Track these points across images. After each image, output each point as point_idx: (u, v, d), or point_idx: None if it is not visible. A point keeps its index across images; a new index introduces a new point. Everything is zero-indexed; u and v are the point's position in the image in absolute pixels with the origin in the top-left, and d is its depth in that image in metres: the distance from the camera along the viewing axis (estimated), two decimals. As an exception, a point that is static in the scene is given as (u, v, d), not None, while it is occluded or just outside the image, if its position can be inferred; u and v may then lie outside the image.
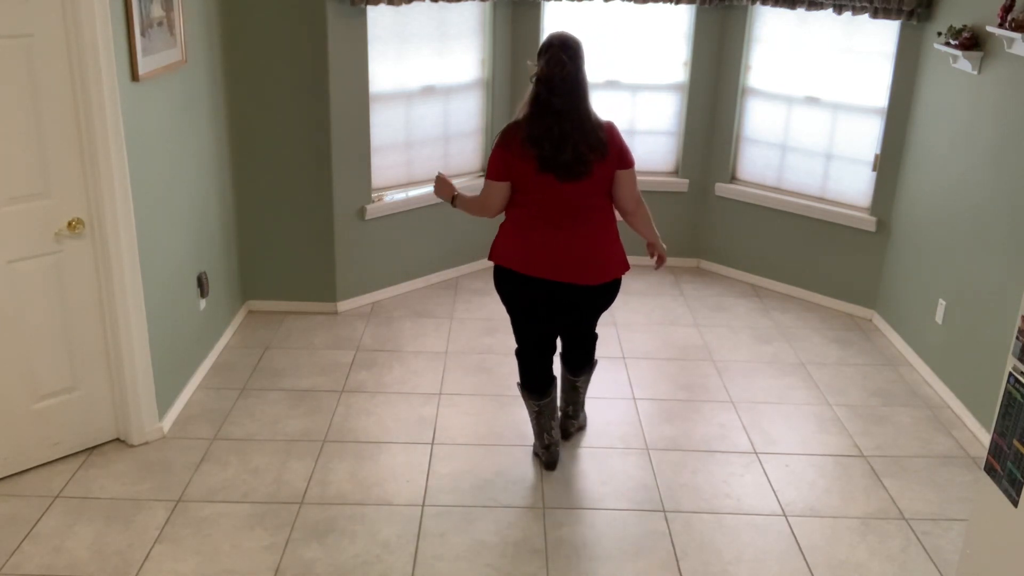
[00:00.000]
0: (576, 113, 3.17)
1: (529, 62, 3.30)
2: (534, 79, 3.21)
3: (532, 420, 3.65)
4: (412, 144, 5.19)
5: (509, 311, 3.49)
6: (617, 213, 3.42)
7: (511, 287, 3.38)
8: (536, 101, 3.18)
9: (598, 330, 3.75)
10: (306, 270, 4.96)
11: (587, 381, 3.79)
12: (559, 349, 3.69)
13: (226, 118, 4.55)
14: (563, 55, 3.14)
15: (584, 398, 3.86)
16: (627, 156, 3.29)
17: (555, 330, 3.55)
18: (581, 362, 3.71)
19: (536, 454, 3.71)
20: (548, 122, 3.15)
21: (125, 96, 3.36)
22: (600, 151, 3.19)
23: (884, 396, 4.33)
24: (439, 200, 5.26)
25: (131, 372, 3.59)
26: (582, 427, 3.93)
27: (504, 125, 3.32)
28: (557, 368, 3.72)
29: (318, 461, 3.64)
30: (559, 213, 3.23)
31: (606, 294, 3.39)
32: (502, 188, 3.26)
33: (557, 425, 3.69)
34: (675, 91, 5.62)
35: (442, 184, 3.52)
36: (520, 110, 3.27)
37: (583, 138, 3.17)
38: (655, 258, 3.58)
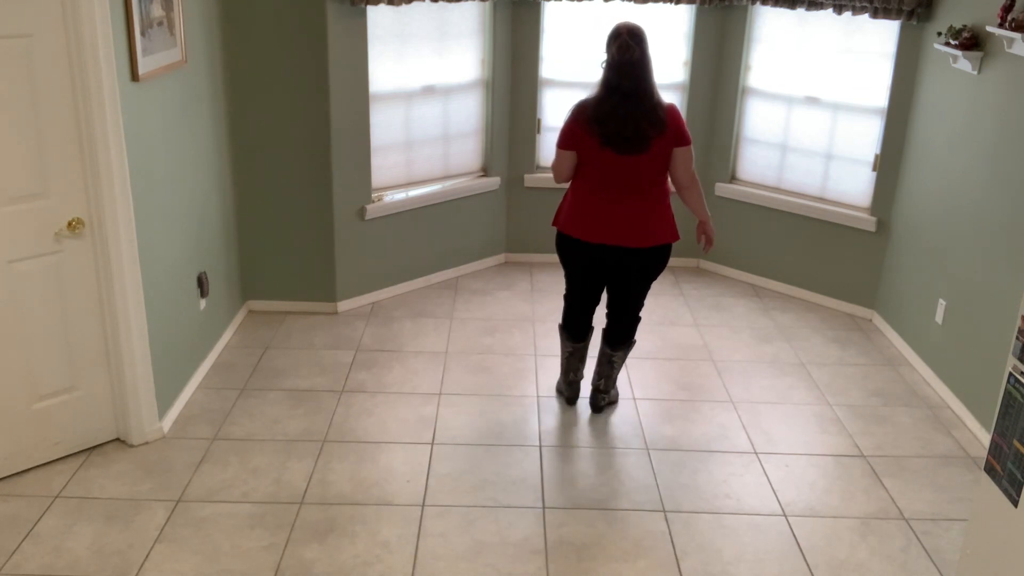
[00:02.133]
0: (641, 93, 3.51)
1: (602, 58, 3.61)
2: (604, 65, 3.56)
3: (563, 359, 4.09)
4: (412, 144, 5.19)
5: (564, 269, 3.90)
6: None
7: (569, 250, 3.79)
8: (607, 84, 3.53)
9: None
10: (306, 270, 4.96)
11: (623, 358, 4.03)
12: (604, 326, 4.02)
13: (226, 118, 4.55)
14: (631, 41, 3.50)
15: (617, 375, 4.09)
16: (684, 135, 3.62)
17: (601, 287, 3.89)
18: (621, 337, 3.97)
19: (559, 391, 4.18)
20: (615, 102, 3.50)
21: (125, 96, 3.36)
22: (659, 128, 3.53)
23: (884, 396, 4.33)
24: (439, 200, 5.31)
25: (131, 372, 3.59)
26: (613, 402, 4.15)
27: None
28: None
29: (318, 461, 3.64)
30: (617, 184, 3.59)
31: (653, 258, 3.72)
32: (568, 156, 3.65)
33: (583, 368, 4.10)
34: (675, 91, 5.62)
35: None
36: (592, 91, 3.61)
37: (645, 115, 3.51)
38: (703, 240, 3.91)
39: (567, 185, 3.82)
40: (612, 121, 3.49)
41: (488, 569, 3.06)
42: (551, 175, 4.39)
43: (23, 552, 3.05)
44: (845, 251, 5.19)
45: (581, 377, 4.11)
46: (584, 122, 3.54)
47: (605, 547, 3.19)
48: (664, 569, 3.09)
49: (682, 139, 3.59)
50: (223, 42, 4.45)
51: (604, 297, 3.99)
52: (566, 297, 4.00)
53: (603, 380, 4.04)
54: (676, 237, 3.74)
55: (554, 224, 3.81)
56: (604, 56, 3.57)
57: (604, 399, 4.06)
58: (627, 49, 3.48)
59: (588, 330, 4.01)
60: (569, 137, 3.60)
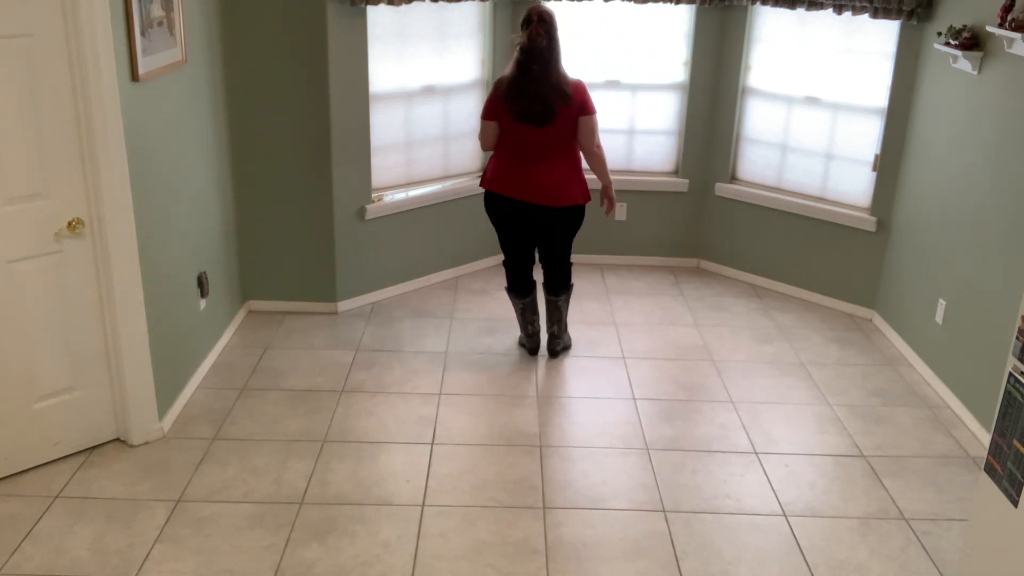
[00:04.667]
0: (549, 74, 4.01)
1: (513, 35, 4.10)
2: (517, 47, 4.01)
3: (517, 315, 4.60)
4: (412, 144, 5.19)
5: (494, 227, 4.40)
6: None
7: (493, 206, 4.30)
8: (519, 65, 4.01)
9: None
10: (306, 270, 4.96)
11: (567, 301, 4.55)
12: (543, 279, 4.54)
13: (226, 118, 4.55)
14: (541, 29, 3.95)
15: (566, 319, 4.61)
16: (588, 106, 4.12)
17: (529, 244, 4.41)
18: (558, 285, 4.50)
19: (521, 344, 4.67)
20: (526, 83, 4.00)
21: (125, 96, 3.36)
22: (565, 100, 4.03)
23: (884, 396, 4.33)
24: (439, 200, 5.31)
25: (131, 372, 3.59)
26: (567, 347, 4.68)
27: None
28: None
29: (318, 461, 3.65)
30: (530, 150, 4.11)
31: (566, 216, 4.25)
32: (491, 126, 4.17)
33: (538, 319, 4.61)
34: (675, 91, 5.62)
35: None
36: (507, 68, 4.12)
37: (551, 92, 4.01)
38: (605, 203, 4.36)
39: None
40: (523, 100, 4.00)
41: (488, 569, 3.06)
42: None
43: (23, 552, 3.06)
44: (845, 251, 5.19)
45: (539, 328, 4.61)
46: (500, 97, 4.06)
47: (605, 547, 3.19)
48: (664, 569, 3.09)
49: (586, 109, 4.09)
50: (223, 42, 4.45)
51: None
52: (504, 262, 4.49)
53: (555, 325, 4.56)
54: (588, 198, 4.25)
55: (481, 185, 4.30)
56: (518, 36, 4.01)
57: (559, 343, 4.59)
58: (537, 37, 3.93)
59: (531, 285, 4.51)
60: (490, 109, 4.13)
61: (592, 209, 5.72)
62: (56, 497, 3.35)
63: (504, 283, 4.59)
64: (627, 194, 5.75)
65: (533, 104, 3.99)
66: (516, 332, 4.84)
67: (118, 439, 3.71)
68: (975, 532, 2.70)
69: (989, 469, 2.60)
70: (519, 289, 4.50)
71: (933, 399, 4.31)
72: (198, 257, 4.23)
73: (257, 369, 4.39)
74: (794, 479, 3.63)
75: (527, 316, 4.56)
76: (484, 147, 4.27)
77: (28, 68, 3.09)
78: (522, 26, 4.00)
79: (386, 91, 4.95)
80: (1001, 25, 3.77)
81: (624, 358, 4.60)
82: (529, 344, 4.60)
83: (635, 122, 5.69)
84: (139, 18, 3.43)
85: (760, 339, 4.89)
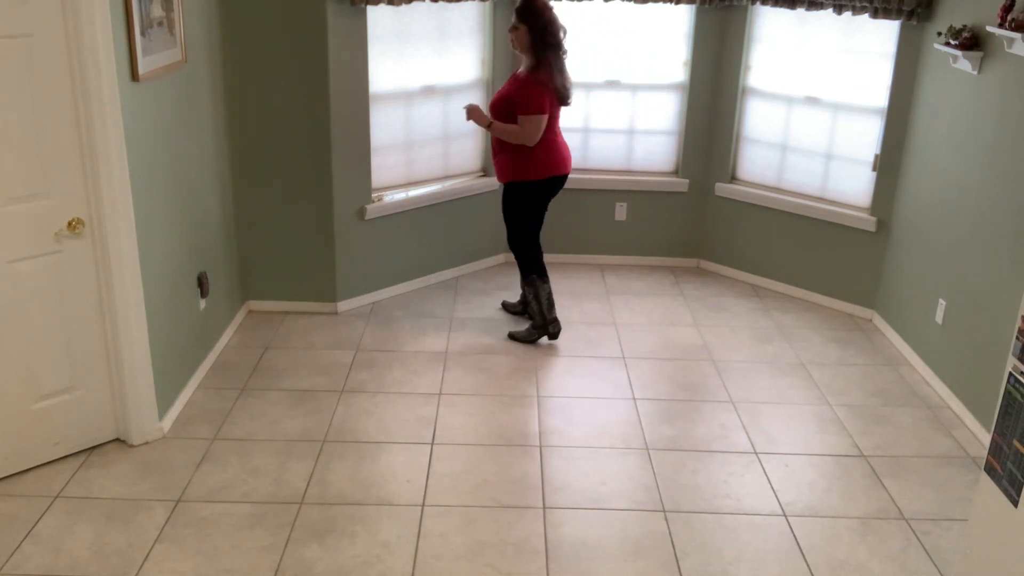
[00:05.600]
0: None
1: (518, 23, 4.34)
2: (550, 41, 4.32)
3: (544, 301, 4.69)
4: (412, 144, 5.19)
5: (532, 215, 4.62)
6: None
7: (549, 189, 4.57)
8: (557, 55, 4.38)
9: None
10: (306, 270, 4.96)
11: None
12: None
13: (226, 118, 4.55)
14: (561, 24, 4.37)
15: None
16: None
17: None
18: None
19: (550, 334, 4.72)
20: (560, 72, 4.41)
21: (125, 96, 3.36)
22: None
23: (884, 396, 4.33)
24: (439, 200, 5.31)
25: (131, 372, 3.59)
26: None
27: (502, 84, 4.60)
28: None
29: (318, 461, 3.65)
30: (557, 127, 4.54)
31: None
32: (546, 119, 4.40)
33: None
34: (675, 91, 5.62)
35: (478, 113, 4.51)
36: (541, 62, 4.35)
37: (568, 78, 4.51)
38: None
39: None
40: (568, 87, 4.46)
41: (488, 569, 3.06)
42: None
43: (23, 552, 3.06)
44: (845, 251, 5.19)
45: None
46: (552, 88, 4.37)
47: (605, 547, 3.19)
48: (664, 569, 3.09)
49: None
50: (223, 42, 4.45)
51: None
52: (532, 247, 4.66)
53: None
54: None
55: (536, 176, 4.48)
56: (541, 33, 4.29)
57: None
58: (563, 32, 4.37)
59: None
60: (546, 103, 4.37)
61: (593, 209, 5.76)
62: (56, 497, 3.35)
63: (515, 280, 4.74)
64: (627, 194, 5.75)
65: (571, 91, 4.51)
66: (516, 332, 4.85)
67: (118, 439, 3.71)
68: (975, 532, 2.70)
69: (989, 469, 2.60)
70: (545, 272, 4.70)
71: (933, 399, 4.31)
72: (198, 257, 4.23)
73: (257, 369, 4.39)
74: (794, 479, 3.63)
75: (552, 298, 4.73)
76: (535, 140, 4.41)
77: (28, 68, 3.09)
78: (548, 24, 4.30)
79: (386, 91, 4.95)
80: (1001, 25, 3.77)
81: (624, 358, 4.60)
82: (556, 328, 4.72)
83: (635, 122, 5.69)
84: (139, 18, 3.43)
85: (760, 339, 4.89)
